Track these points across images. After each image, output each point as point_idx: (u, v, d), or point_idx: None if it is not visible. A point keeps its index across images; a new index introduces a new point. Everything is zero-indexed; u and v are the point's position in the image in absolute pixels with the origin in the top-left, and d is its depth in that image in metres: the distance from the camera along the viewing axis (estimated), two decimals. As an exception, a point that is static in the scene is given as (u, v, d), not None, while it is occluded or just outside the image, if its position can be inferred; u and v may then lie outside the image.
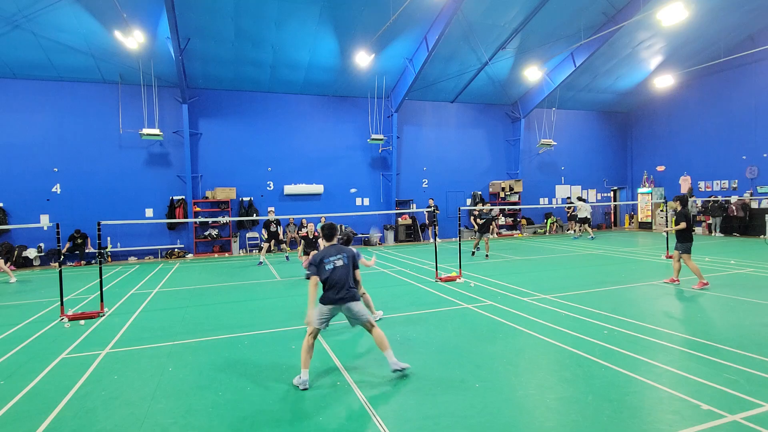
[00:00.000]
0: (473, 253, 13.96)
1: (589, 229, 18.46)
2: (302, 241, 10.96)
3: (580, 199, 19.44)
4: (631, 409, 3.66)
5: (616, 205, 22.97)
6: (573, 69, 17.65)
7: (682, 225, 8.04)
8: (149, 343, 5.91)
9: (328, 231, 4.85)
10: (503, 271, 10.78)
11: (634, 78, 20.38)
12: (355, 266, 4.89)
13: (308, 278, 4.56)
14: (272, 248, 15.06)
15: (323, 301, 4.60)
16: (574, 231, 19.06)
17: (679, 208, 8.25)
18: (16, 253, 14.16)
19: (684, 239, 8.14)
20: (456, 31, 15.05)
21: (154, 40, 13.79)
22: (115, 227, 15.50)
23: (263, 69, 16.01)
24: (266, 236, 13.64)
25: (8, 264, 13.06)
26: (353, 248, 4.97)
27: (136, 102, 15.70)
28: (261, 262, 13.52)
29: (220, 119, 16.94)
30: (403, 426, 3.53)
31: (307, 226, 11.01)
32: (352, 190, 18.29)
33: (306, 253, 10.81)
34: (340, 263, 4.62)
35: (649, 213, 21.75)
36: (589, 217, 18.65)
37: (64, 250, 14.54)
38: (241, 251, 17.10)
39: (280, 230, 11.73)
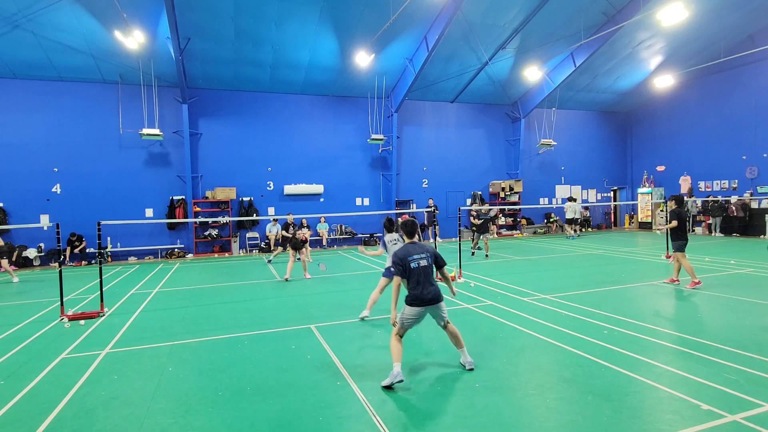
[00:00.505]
0: (473, 253, 13.99)
1: (569, 229, 18.55)
2: (290, 240, 11.15)
3: (570, 199, 19.45)
4: (631, 409, 3.66)
5: (616, 205, 22.97)
6: (573, 69, 17.65)
7: (674, 223, 8.21)
8: (149, 343, 5.91)
9: (411, 227, 4.77)
10: (503, 271, 10.78)
11: (634, 78, 20.37)
12: (439, 264, 4.75)
13: (390, 277, 4.51)
14: (286, 250, 14.89)
15: (412, 302, 4.48)
16: (575, 231, 19.07)
17: (672, 206, 8.41)
18: (16, 253, 14.16)
19: (676, 238, 8.29)
20: (456, 31, 15.05)
21: (154, 40, 13.79)
22: (115, 227, 15.50)
23: (263, 69, 16.01)
24: (280, 239, 13.95)
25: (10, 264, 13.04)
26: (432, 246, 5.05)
27: (136, 102, 15.70)
28: (270, 261, 13.95)
29: (220, 119, 16.94)
30: (403, 426, 3.53)
31: (302, 229, 11.01)
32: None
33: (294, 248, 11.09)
34: (424, 263, 4.55)
35: (649, 213, 21.75)
36: (576, 217, 18.67)
37: (68, 257, 14.58)
38: (241, 251, 17.10)
39: (294, 230, 11.38)
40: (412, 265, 4.50)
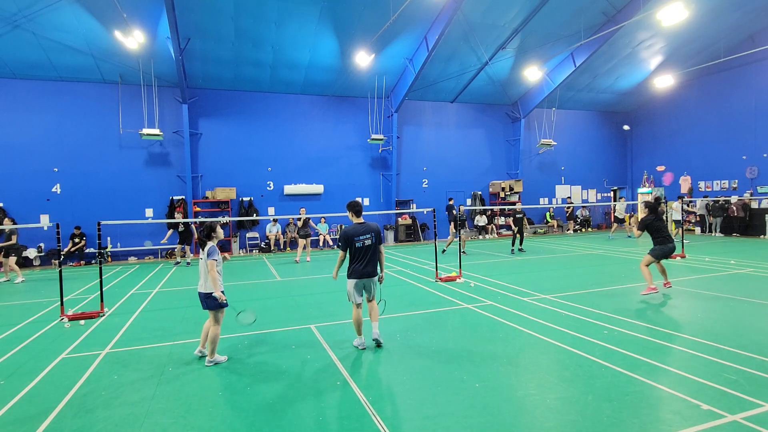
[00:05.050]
0: (512, 251, 14.61)
1: (627, 229, 18.44)
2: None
3: (680, 198, 19.12)
4: (631, 409, 3.66)
5: (615, 205, 22.92)
6: (573, 69, 17.65)
7: (638, 233, 7.65)
8: (149, 343, 5.91)
9: (359, 207, 5.39)
10: (503, 271, 10.78)
11: (634, 78, 20.37)
12: (380, 242, 5.38)
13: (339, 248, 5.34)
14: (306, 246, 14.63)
15: (353, 275, 5.18)
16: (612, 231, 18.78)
17: (645, 214, 7.77)
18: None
19: (655, 243, 7.66)
20: (456, 31, 15.05)
21: (154, 40, 13.79)
22: (115, 227, 15.50)
23: (263, 69, 16.01)
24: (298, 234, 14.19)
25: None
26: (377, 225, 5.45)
27: (136, 102, 15.70)
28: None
29: (220, 119, 16.94)
30: (403, 426, 3.53)
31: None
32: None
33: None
34: (368, 242, 5.19)
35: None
36: (621, 217, 18.52)
37: (65, 251, 14.55)
38: (241, 251, 17.10)
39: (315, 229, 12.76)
40: (357, 244, 5.15)
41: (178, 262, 13.58)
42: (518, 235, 14.83)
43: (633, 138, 23.69)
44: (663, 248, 7.49)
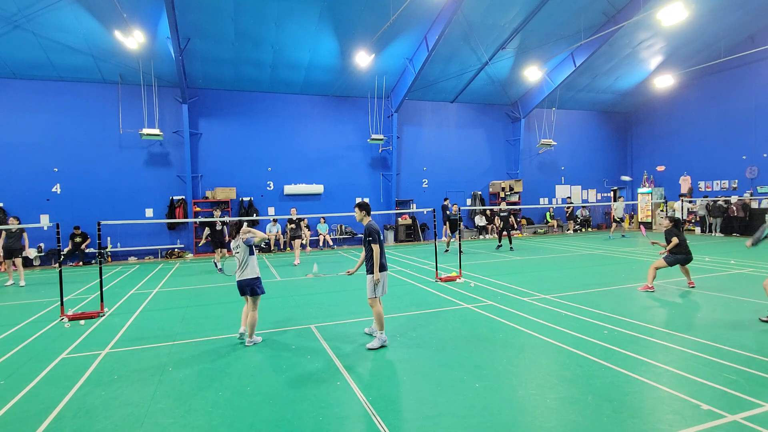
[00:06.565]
0: (498, 246, 15.44)
1: (618, 227, 18.37)
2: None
3: (681, 197, 18.75)
4: (631, 409, 3.66)
5: (614, 204, 22.94)
6: (573, 69, 17.65)
7: (675, 241, 7.94)
8: (149, 343, 5.91)
9: (369, 207, 5.85)
10: (503, 271, 10.78)
11: (634, 78, 20.37)
12: None
13: (376, 244, 5.50)
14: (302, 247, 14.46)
15: (382, 268, 5.59)
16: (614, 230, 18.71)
17: (669, 226, 8.17)
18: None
19: (672, 252, 8.05)
20: (456, 31, 15.05)
21: (154, 40, 13.79)
22: (115, 227, 15.50)
23: (263, 69, 16.02)
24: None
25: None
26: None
27: (136, 102, 15.70)
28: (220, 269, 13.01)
29: (220, 119, 16.94)
30: (403, 426, 3.53)
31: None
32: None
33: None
34: (382, 237, 5.74)
35: (650, 213, 21.75)
36: (621, 216, 18.51)
37: (65, 251, 14.53)
38: (241, 251, 17.05)
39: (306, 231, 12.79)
40: (381, 237, 5.67)
41: (221, 269, 12.86)
42: (505, 234, 15.26)
43: (633, 138, 23.70)
44: (673, 257, 8.04)
